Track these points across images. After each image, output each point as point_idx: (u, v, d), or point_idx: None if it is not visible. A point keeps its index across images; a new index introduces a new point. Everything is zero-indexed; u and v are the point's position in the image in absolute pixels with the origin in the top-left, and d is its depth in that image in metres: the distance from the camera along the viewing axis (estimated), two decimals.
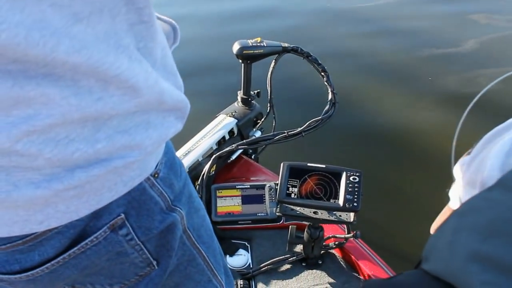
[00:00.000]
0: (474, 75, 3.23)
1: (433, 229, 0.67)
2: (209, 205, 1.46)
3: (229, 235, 1.43)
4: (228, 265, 1.35)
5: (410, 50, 3.62)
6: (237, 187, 1.50)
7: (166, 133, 0.56)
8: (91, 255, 0.57)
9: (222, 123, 1.67)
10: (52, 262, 0.55)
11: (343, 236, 1.31)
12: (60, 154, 0.46)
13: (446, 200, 0.66)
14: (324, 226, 1.29)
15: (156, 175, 0.60)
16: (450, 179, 0.65)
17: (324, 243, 1.33)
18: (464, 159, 0.63)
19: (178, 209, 0.64)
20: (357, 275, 1.31)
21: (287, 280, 1.30)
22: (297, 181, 1.18)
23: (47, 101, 0.43)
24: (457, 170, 0.63)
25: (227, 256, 1.37)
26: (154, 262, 0.64)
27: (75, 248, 0.55)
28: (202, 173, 1.47)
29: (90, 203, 0.53)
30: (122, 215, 0.57)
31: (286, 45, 1.62)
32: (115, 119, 0.49)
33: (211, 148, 1.60)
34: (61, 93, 0.43)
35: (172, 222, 0.63)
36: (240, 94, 1.74)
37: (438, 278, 0.51)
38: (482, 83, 3.05)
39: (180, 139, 1.58)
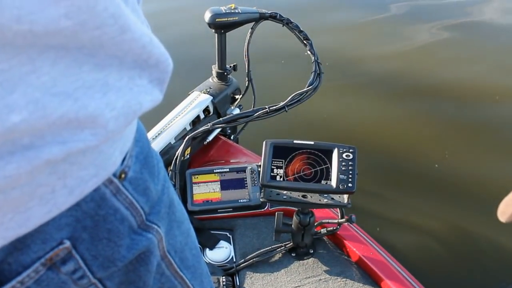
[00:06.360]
0: None
1: (504, 213, 0.43)
2: (184, 192, 1.31)
3: (208, 225, 1.28)
4: (209, 260, 1.20)
5: None
6: (215, 171, 1.35)
7: (137, 100, 0.35)
8: None
9: (196, 101, 1.52)
10: None
11: (336, 221, 1.17)
12: None
13: None
14: (315, 210, 1.15)
15: (122, 176, 0.39)
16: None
17: (315, 230, 1.19)
18: None
19: (155, 226, 0.44)
20: (353, 263, 1.18)
21: (275, 273, 1.16)
22: (282, 161, 1.03)
23: None
24: None
25: (207, 249, 1.22)
26: None
27: None
28: (175, 157, 1.32)
29: (6, 226, 0.32)
30: (67, 243, 0.36)
31: (264, 11, 1.50)
32: (41, 65, 0.28)
33: (185, 128, 1.45)
34: None
35: (146, 247, 0.43)
36: (215, 68, 1.59)
37: None
38: None
39: (149, 120, 1.42)
